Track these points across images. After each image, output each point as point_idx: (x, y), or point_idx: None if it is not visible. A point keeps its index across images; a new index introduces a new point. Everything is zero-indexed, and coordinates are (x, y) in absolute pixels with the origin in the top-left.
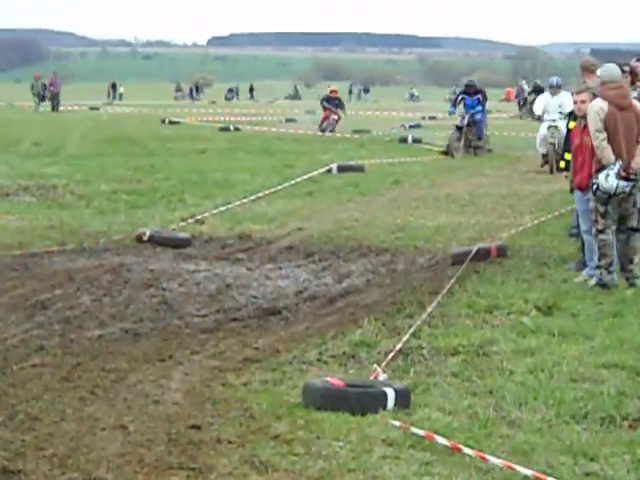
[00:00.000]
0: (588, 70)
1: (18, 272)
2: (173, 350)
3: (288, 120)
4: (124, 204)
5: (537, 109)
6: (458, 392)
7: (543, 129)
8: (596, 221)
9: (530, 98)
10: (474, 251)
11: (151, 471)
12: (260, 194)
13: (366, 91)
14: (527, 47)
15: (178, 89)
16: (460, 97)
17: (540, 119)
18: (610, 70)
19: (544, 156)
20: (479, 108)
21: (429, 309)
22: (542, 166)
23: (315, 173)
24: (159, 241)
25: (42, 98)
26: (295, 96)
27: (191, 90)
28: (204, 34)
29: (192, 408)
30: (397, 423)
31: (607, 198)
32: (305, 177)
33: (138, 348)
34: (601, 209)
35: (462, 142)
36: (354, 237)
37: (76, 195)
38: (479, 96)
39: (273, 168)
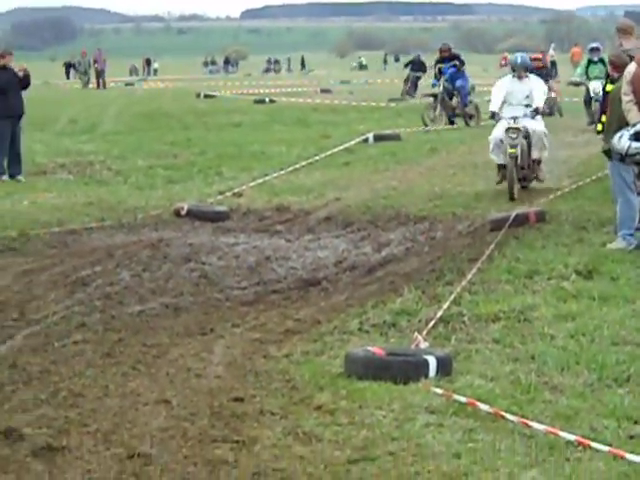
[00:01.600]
0: (625, 32)
1: (57, 249)
2: (214, 323)
3: (323, 91)
4: (161, 179)
5: (493, 102)
6: (500, 358)
7: (499, 131)
8: (633, 183)
9: (405, 74)
10: (512, 217)
11: (195, 445)
12: (297, 165)
13: (397, 60)
14: (561, 11)
15: (212, 62)
16: (437, 67)
17: (495, 116)
18: None
19: (501, 168)
20: (452, 70)
21: (469, 276)
22: (499, 182)
23: (352, 143)
24: (197, 215)
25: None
26: (268, 69)
27: (225, 63)
28: (237, 7)
29: (234, 381)
30: (439, 391)
31: (620, 159)
32: (342, 147)
33: (179, 322)
34: (636, 169)
35: (438, 111)
36: (392, 206)
37: (113, 171)
38: (455, 62)
39: (309, 139)
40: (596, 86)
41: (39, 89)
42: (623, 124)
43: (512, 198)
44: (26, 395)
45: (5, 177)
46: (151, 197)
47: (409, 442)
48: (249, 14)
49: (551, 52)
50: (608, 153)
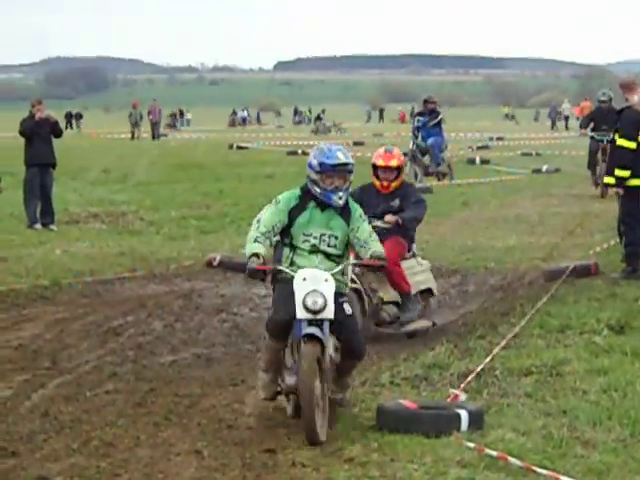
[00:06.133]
0: (629, 87)
1: (90, 299)
2: (246, 374)
3: (356, 143)
4: (194, 230)
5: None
6: (531, 412)
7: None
8: None
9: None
10: (571, 268)
11: None
12: None
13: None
14: (594, 66)
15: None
16: (416, 121)
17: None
18: None
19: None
20: (424, 120)
21: (501, 330)
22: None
23: None
24: (229, 266)
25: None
26: (299, 121)
27: (258, 115)
28: (270, 59)
29: (266, 432)
30: (471, 444)
31: None
32: None
33: (211, 373)
34: None
35: (408, 168)
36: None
37: (146, 221)
38: (439, 118)
39: None
40: None
41: (73, 138)
42: None
43: None
44: (58, 444)
45: (38, 226)
46: (183, 248)
47: None
48: (282, 66)
49: (566, 105)
50: None
